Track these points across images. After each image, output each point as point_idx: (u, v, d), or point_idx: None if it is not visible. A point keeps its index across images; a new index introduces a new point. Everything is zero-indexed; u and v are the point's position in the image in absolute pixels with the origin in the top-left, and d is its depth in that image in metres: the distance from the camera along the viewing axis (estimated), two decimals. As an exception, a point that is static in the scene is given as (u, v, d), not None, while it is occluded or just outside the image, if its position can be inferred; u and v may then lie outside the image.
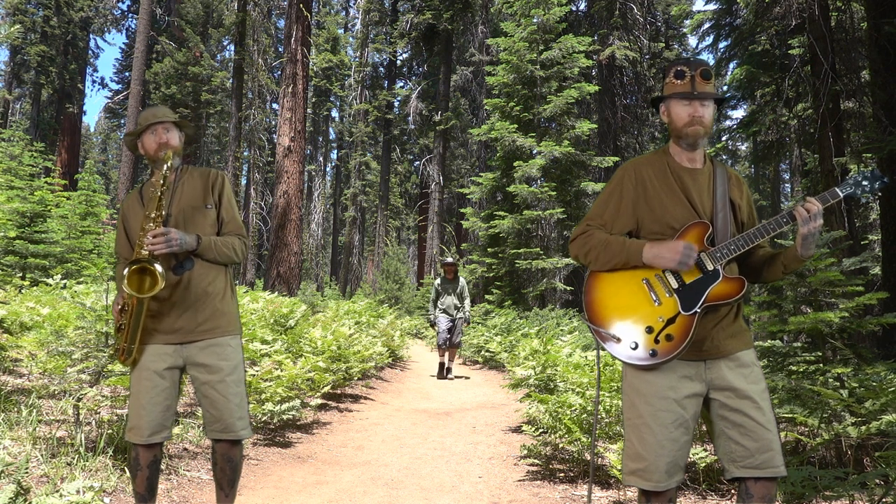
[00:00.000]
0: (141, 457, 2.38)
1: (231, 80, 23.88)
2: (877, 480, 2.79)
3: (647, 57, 20.71)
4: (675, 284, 1.94)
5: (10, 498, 2.36)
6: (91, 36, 31.03)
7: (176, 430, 3.94)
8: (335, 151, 39.67)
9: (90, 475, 3.03)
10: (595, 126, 14.20)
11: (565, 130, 13.73)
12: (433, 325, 9.07)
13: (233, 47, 23.45)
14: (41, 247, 8.54)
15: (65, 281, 7.62)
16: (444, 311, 8.89)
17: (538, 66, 13.62)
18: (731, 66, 14.86)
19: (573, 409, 3.88)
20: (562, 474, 3.89)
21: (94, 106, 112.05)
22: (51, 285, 6.74)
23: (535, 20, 13.72)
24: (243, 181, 28.01)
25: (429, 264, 22.09)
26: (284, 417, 4.60)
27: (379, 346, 7.73)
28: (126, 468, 3.09)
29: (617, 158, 15.12)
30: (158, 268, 2.26)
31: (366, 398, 6.82)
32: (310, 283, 19.78)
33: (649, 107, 19.20)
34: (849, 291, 3.61)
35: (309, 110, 28.00)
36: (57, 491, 2.59)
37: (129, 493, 2.94)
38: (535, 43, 13.72)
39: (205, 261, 2.43)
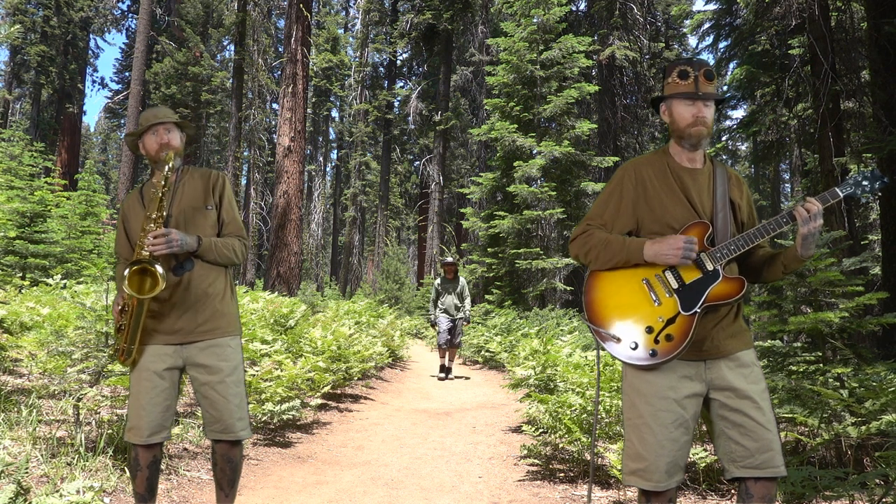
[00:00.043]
0: (140, 457, 2.38)
1: (231, 80, 23.88)
2: (877, 480, 2.79)
3: (647, 57, 20.71)
4: (674, 284, 1.94)
5: (10, 498, 2.36)
6: (91, 36, 31.04)
7: (176, 430, 3.94)
8: (335, 151, 39.70)
9: (90, 475, 3.03)
10: (595, 126, 14.20)
11: (565, 130, 13.73)
12: (434, 325, 9.07)
13: (233, 47, 23.46)
14: (41, 247, 8.54)
15: (65, 281, 7.62)
16: (445, 312, 8.88)
17: (538, 66, 13.62)
18: (731, 66, 14.86)
19: (573, 409, 3.88)
20: (562, 474, 3.89)
21: (94, 106, 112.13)
22: (51, 285, 6.74)
23: (535, 20, 13.72)
24: (243, 181, 28.01)
25: (429, 264, 22.09)
26: (284, 417, 4.60)
27: (379, 346, 7.73)
28: (126, 468, 3.10)
29: (617, 158, 15.12)
30: (159, 269, 2.26)
31: (366, 398, 6.82)
32: (310, 283, 19.78)
33: (649, 107, 19.19)
34: (849, 291, 3.61)
35: (309, 110, 28.00)
36: (57, 491, 2.59)
37: (129, 493, 2.94)
38: (535, 43, 13.72)
39: (205, 262, 2.43)
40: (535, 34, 13.64)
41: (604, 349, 1.99)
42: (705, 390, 1.94)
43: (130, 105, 20.70)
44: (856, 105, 10.94)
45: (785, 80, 11.61)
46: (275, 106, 29.41)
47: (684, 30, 21.75)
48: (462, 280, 9.04)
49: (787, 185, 33.78)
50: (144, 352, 2.38)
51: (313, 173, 35.68)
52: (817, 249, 3.51)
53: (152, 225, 2.33)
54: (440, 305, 8.95)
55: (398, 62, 29.60)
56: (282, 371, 4.90)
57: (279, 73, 22.10)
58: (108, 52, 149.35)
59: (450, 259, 9.17)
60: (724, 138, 16.98)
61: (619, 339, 1.95)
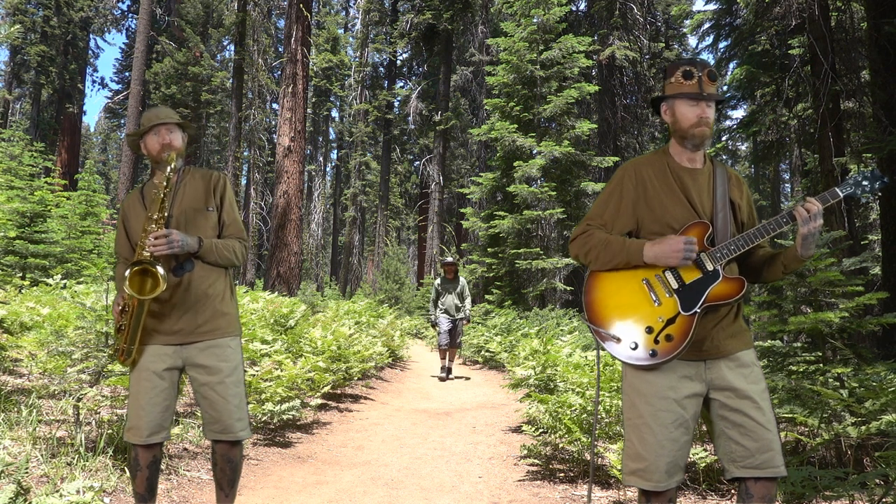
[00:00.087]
0: (140, 457, 2.38)
1: (231, 80, 23.88)
2: (877, 480, 2.79)
3: (647, 57, 20.71)
4: (674, 285, 1.94)
5: (10, 498, 2.36)
6: (91, 36, 31.03)
7: (176, 430, 3.94)
8: (335, 151, 39.70)
9: (90, 475, 3.03)
10: (595, 126, 14.20)
11: (565, 130, 13.73)
12: (434, 326, 9.06)
13: (233, 47, 23.46)
14: (41, 247, 8.54)
15: (65, 281, 7.62)
16: (445, 312, 8.87)
17: (538, 66, 13.62)
18: (731, 66, 14.86)
19: (573, 409, 3.88)
20: (562, 474, 3.89)
21: (94, 106, 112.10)
22: (51, 285, 6.75)
23: (535, 20, 13.72)
24: (243, 181, 28.01)
25: (429, 264, 22.09)
26: (284, 417, 4.60)
27: (379, 346, 7.73)
28: (126, 468, 3.10)
29: (617, 158, 15.12)
30: (160, 270, 2.26)
31: (366, 398, 6.82)
32: (310, 283, 19.77)
33: (649, 107, 19.19)
34: (849, 291, 3.61)
35: (309, 110, 28.01)
36: (57, 491, 2.59)
37: (129, 493, 2.94)
38: (535, 43, 13.72)
39: (205, 263, 2.44)
40: (535, 34, 13.64)
41: (604, 349, 1.99)
42: (705, 390, 1.94)
43: (130, 105, 20.69)
44: (856, 105, 10.94)
45: (785, 80, 11.61)
46: (275, 106, 29.42)
47: (684, 30, 21.75)
48: (462, 280, 9.03)
49: (787, 185, 33.80)
50: (144, 352, 2.38)
51: (313, 173, 35.68)
52: (817, 249, 3.51)
53: (153, 226, 2.33)
54: (440, 306, 8.94)
55: (398, 62, 29.60)
56: (282, 371, 4.90)
57: (279, 73, 22.10)
58: (108, 52, 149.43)
59: (450, 259, 9.16)
60: (724, 138, 16.98)
61: (619, 339, 1.95)
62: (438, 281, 9.11)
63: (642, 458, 1.89)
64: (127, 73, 31.87)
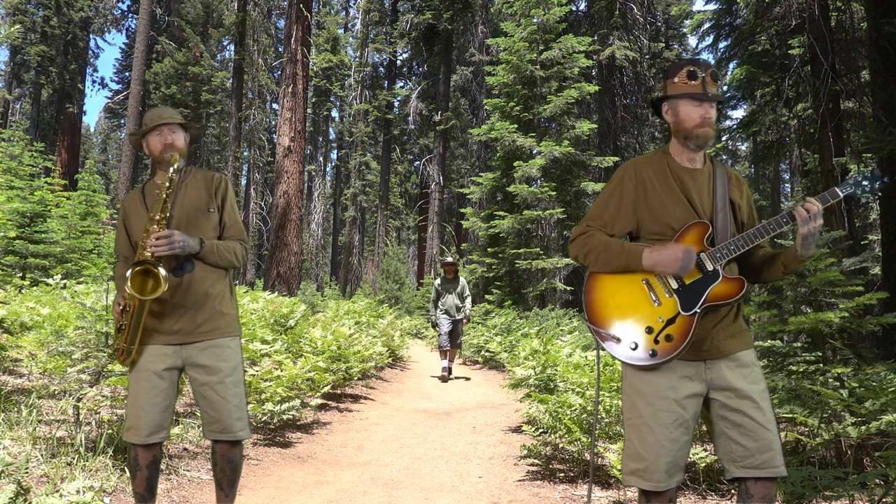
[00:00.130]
0: (140, 457, 2.38)
1: (231, 80, 23.88)
2: (877, 480, 2.79)
3: (647, 57, 20.70)
4: (674, 285, 1.95)
5: (10, 498, 2.36)
6: (91, 36, 31.03)
7: (176, 430, 3.94)
8: (335, 151, 39.70)
9: (90, 475, 3.03)
10: (595, 126, 14.20)
11: (565, 130, 13.73)
12: (435, 326, 9.05)
13: (233, 47, 23.46)
14: (41, 247, 8.54)
15: (65, 281, 7.62)
16: (446, 312, 8.85)
17: (538, 66, 13.62)
18: (731, 66, 14.86)
19: (573, 409, 3.88)
20: (562, 474, 3.89)
21: (94, 106, 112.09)
22: (51, 285, 6.74)
23: (535, 20, 13.72)
24: (243, 181, 28.01)
25: (429, 264, 22.09)
26: (284, 417, 4.60)
27: (379, 346, 7.73)
28: (126, 468, 3.10)
29: (617, 158, 15.12)
30: (162, 271, 2.26)
31: (366, 398, 6.82)
32: (310, 283, 19.78)
33: (649, 107, 19.19)
34: (849, 291, 3.61)
35: (309, 110, 28.00)
36: (57, 491, 2.59)
37: (129, 493, 2.94)
38: (535, 43, 13.72)
39: (206, 264, 2.44)
40: (535, 34, 13.64)
41: (604, 349, 1.99)
42: (705, 390, 1.94)
43: (130, 105, 20.70)
44: (856, 105, 10.94)
45: (785, 80, 11.61)
46: (275, 106, 29.42)
47: (684, 30, 21.75)
48: (462, 280, 9.02)
49: (787, 185, 33.80)
50: (144, 352, 2.38)
51: (313, 173, 35.69)
52: (817, 249, 3.51)
53: (155, 226, 2.33)
54: (441, 306, 8.92)
55: (398, 62, 29.60)
56: (282, 371, 4.90)
57: (279, 73, 22.10)
58: (108, 52, 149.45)
59: (450, 259, 9.16)
60: (724, 138, 16.98)
61: (619, 340, 1.95)
62: (438, 281, 9.10)
63: (642, 458, 1.89)
64: (127, 73, 31.87)
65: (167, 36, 26.78)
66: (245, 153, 24.94)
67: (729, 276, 1.96)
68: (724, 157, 24.72)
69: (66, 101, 28.88)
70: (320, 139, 37.93)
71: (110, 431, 3.39)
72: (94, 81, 37.05)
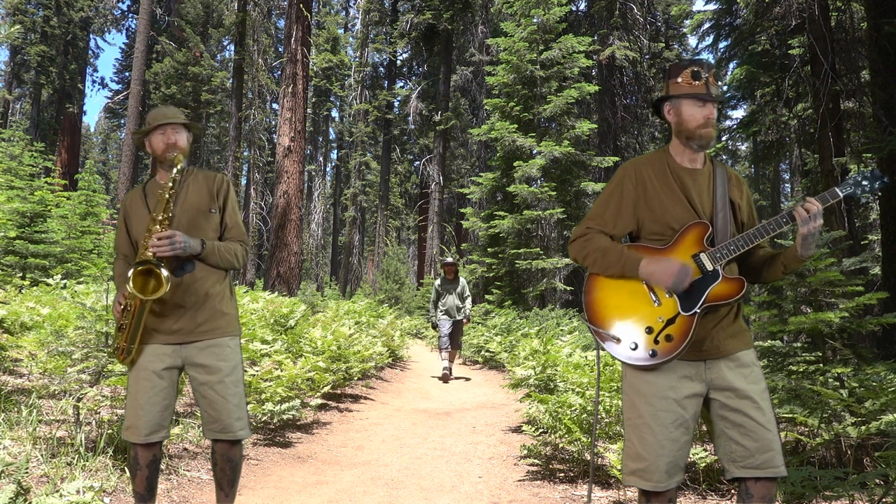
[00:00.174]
0: (140, 456, 2.38)
1: (231, 80, 23.88)
2: (877, 480, 2.79)
3: (647, 57, 20.71)
4: (675, 285, 1.94)
5: (10, 498, 2.36)
6: (91, 36, 31.03)
7: (176, 430, 3.94)
8: (335, 151, 39.70)
9: (90, 475, 3.03)
10: (595, 126, 14.20)
11: (565, 130, 13.73)
12: (435, 327, 9.04)
13: (233, 47, 23.47)
14: (41, 247, 8.54)
15: (65, 281, 7.62)
16: (446, 313, 8.84)
17: (538, 66, 13.62)
18: (731, 66, 14.86)
19: (573, 409, 3.88)
20: (562, 474, 3.89)
21: (94, 106, 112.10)
22: (51, 285, 6.74)
23: (535, 20, 13.72)
24: (243, 181, 28.02)
25: (429, 264, 22.09)
26: (284, 417, 4.60)
27: (379, 346, 7.73)
28: (126, 468, 3.10)
29: (617, 158, 15.12)
30: (164, 272, 2.26)
31: (366, 398, 6.82)
32: (310, 283, 19.78)
33: (649, 107, 19.19)
34: (849, 291, 3.61)
35: (309, 110, 28.01)
36: (57, 491, 2.59)
37: (129, 493, 2.94)
38: (535, 43, 13.72)
39: (207, 265, 2.44)
40: (535, 34, 13.64)
41: (604, 349, 1.99)
42: (705, 390, 1.94)
43: (130, 105, 20.70)
44: (856, 105, 10.94)
45: (785, 80, 11.61)
46: (275, 106, 29.43)
47: (684, 30, 21.75)
48: (462, 280, 9.01)
49: (787, 185, 33.80)
50: (143, 351, 2.38)
51: (313, 173, 35.69)
52: (817, 249, 3.51)
53: (158, 226, 2.34)
54: (441, 307, 8.91)
55: (398, 62, 29.60)
56: (282, 371, 4.90)
57: (279, 73, 22.10)
58: (108, 52, 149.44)
59: (450, 259, 9.15)
60: (724, 138, 16.98)
61: (618, 340, 1.95)
62: (438, 282, 9.09)
63: (642, 458, 1.89)
64: (127, 73, 31.87)
65: (167, 36, 26.77)
66: (245, 153, 24.94)
67: (729, 276, 1.96)
68: (724, 157, 24.72)
69: (66, 101, 28.88)
70: (320, 139, 37.93)
71: (110, 431, 3.39)
72: (94, 81, 37.07)
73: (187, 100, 26.08)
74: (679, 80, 2.01)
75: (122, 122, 35.14)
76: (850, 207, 9.80)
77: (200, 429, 3.99)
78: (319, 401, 5.31)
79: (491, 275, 14.12)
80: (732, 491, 3.31)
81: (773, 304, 3.92)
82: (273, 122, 29.96)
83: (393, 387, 7.97)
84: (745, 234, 1.96)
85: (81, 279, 8.48)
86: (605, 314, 1.99)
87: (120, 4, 30.63)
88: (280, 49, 28.55)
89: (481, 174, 15.71)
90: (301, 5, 12.93)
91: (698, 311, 1.91)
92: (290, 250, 12.22)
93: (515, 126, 13.65)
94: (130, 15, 30.98)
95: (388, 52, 27.93)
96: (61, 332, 3.97)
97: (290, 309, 7.42)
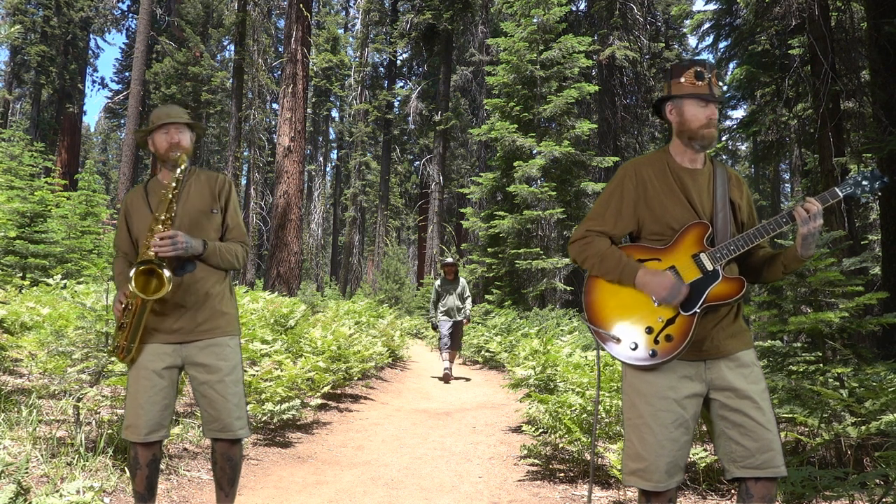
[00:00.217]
0: (140, 455, 2.38)
1: (231, 80, 23.89)
2: (877, 480, 2.79)
3: (647, 57, 20.71)
4: (675, 284, 1.94)
5: (10, 498, 2.36)
6: (91, 36, 31.03)
7: (176, 430, 3.94)
8: (335, 151, 39.71)
9: (90, 475, 3.03)
10: (595, 126, 14.21)
11: (565, 130, 13.74)
12: (435, 328, 9.04)
13: (233, 47, 23.47)
14: (41, 247, 8.54)
15: (65, 281, 7.62)
16: (446, 313, 8.83)
17: (538, 66, 13.62)
18: (731, 66, 14.87)
19: (573, 409, 3.88)
20: (562, 474, 3.89)
21: (94, 106, 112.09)
22: (51, 285, 6.74)
23: (535, 20, 13.73)
24: (243, 181, 28.03)
25: (429, 264, 22.09)
26: (284, 417, 4.60)
27: (379, 346, 7.73)
28: (126, 468, 3.10)
29: (617, 158, 15.12)
30: (166, 272, 2.27)
31: (366, 398, 6.82)
32: (310, 283, 19.77)
33: (649, 107, 19.20)
34: (849, 291, 3.61)
35: (309, 110, 28.01)
36: (57, 491, 2.59)
37: (129, 493, 2.94)
38: (535, 43, 13.72)
39: (207, 265, 2.44)
40: (535, 34, 13.64)
41: (604, 349, 1.99)
42: (705, 390, 1.94)
43: (130, 105, 20.70)
44: (856, 105, 10.95)
45: (785, 80, 11.61)
46: (275, 106, 29.43)
47: (684, 30, 21.75)
48: (462, 281, 9.00)
49: (787, 185, 33.80)
50: (143, 350, 2.39)
51: (313, 173, 35.69)
52: (817, 249, 3.51)
53: (160, 226, 2.34)
54: (441, 307, 8.90)
55: (398, 62, 29.60)
56: (282, 371, 4.90)
57: (279, 73, 22.10)
58: (108, 52, 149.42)
59: (450, 260, 9.15)
60: (724, 138, 16.99)
61: (619, 340, 1.95)
62: (439, 282, 9.08)
63: (642, 458, 1.89)
64: (127, 73, 31.87)
65: (167, 36, 26.78)
66: (245, 153, 24.94)
67: (729, 276, 1.96)
68: (724, 157, 24.72)
69: (66, 101, 28.89)
70: (320, 139, 37.93)
71: (110, 431, 3.39)
72: (94, 81, 37.05)
73: (187, 100, 26.09)
74: (682, 80, 2.02)
75: (122, 122, 35.14)
76: (850, 207, 9.80)
77: (200, 429, 3.99)
78: (319, 401, 5.31)
79: (491, 275, 14.12)
80: (732, 491, 3.31)
81: (773, 304, 3.92)
82: (273, 122, 29.96)
83: (393, 387, 7.97)
84: (745, 234, 1.96)
85: (81, 279, 8.48)
86: (606, 314, 1.99)
87: (120, 4, 30.66)
88: (280, 49, 28.55)
89: (481, 174, 15.71)
90: (301, 5, 12.93)
91: (698, 310, 1.91)
92: (290, 250, 12.22)
93: (515, 126, 13.65)
94: (130, 15, 30.99)
95: (388, 52, 27.93)
96: (61, 332, 3.97)
97: (290, 309, 7.42)
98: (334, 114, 38.31)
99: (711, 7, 16.66)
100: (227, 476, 2.48)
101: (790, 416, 3.29)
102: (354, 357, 6.54)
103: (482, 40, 23.20)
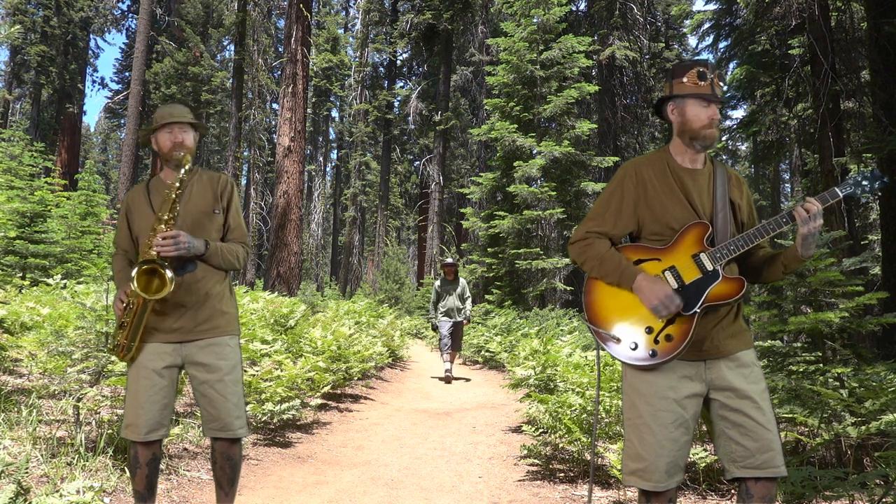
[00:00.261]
0: (140, 454, 2.38)
1: (231, 80, 23.89)
2: (877, 480, 2.79)
3: (647, 57, 20.71)
4: (674, 284, 1.94)
5: (10, 498, 2.36)
6: (91, 36, 31.03)
7: (176, 430, 3.94)
8: (335, 151, 39.71)
9: (90, 475, 3.03)
10: (595, 126, 14.21)
11: (565, 130, 13.74)
12: (435, 329, 9.03)
13: (233, 47, 23.47)
14: (41, 247, 8.54)
15: (65, 281, 7.62)
16: (446, 314, 8.82)
17: (538, 66, 13.62)
18: (731, 66, 14.86)
19: (573, 409, 3.88)
20: (562, 474, 3.89)
21: (94, 106, 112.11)
22: (51, 285, 6.74)
23: (535, 20, 13.73)
24: (243, 181, 28.03)
25: (429, 264, 22.09)
26: (284, 417, 4.60)
27: (379, 346, 7.73)
28: (126, 468, 3.10)
29: (617, 158, 15.13)
30: (168, 273, 2.27)
31: (366, 398, 6.82)
32: (310, 283, 19.77)
33: (649, 107, 19.20)
34: (849, 291, 3.61)
35: (309, 110, 28.01)
36: (57, 491, 2.59)
37: (129, 493, 2.94)
38: (535, 43, 13.72)
39: (208, 265, 2.45)
40: (535, 34, 13.64)
41: (604, 349, 1.99)
42: (705, 390, 1.94)
43: (130, 105, 20.69)
44: (856, 105, 10.95)
45: (785, 80, 11.61)
46: (275, 106, 29.43)
47: (684, 30, 21.75)
48: (462, 281, 9.00)
49: (787, 185, 33.81)
50: (143, 349, 2.39)
51: (313, 173, 35.69)
52: (817, 249, 3.51)
53: (163, 226, 2.34)
54: (441, 308, 8.89)
55: (398, 62, 29.60)
56: (282, 371, 4.90)
57: (279, 73, 22.10)
58: (108, 52, 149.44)
59: (450, 260, 9.14)
60: (724, 138, 16.98)
61: (618, 340, 1.95)
62: (438, 282, 9.07)
63: (642, 458, 1.89)
64: (127, 73, 31.88)
65: (167, 36, 26.78)
66: (245, 153, 24.95)
67: (729, 276, 1.96)
68: (724, 157, 24.72)
69: (66, 101, 28.89)
70: (320, 139, 37.93)
71: (110, 431, 3.39)
72: (94, 81, 37.04)
73: (187, 100, 26.09)
74: (684, 80, 2.02)
75: (122, 122, 35.14)
76: (850, 207, 9.80)
77: (200, 429, 3.99)
78: (319, 401, 5.31)
79: (491, 275, 14.12)
80: (732, 491, 3.31)
81: (773, 304, 3.92)
82: (273, 122, 29.96)
83: (393, 387, 7.97)
84: (745, 234, 1.96)
85: (81, 279, 8.48)
86: (606, 314, 1.99)
87: (120, 4, 30.66)
88: (280, 49, 28.55)
89: (481, 174, 15.71)
90: (301, 5, 12.93)
91: (698, 310, 1.91)
92: (290, 250, 12.22)
93: (515, 126, 13.65)
94: (130, 15, 30.99)
95: (388, 52, 27.93)
96: (61, 332, 3.97)
97: (290, 309, 7.42)
98: (334, 114, 38.35)
99: (711, 7, 16.67)
100: (226, 476, 2.48)
101: (790, 416, 3.29)
102: (354, 357, 6.54)
103: (482, 40, 23.20)
